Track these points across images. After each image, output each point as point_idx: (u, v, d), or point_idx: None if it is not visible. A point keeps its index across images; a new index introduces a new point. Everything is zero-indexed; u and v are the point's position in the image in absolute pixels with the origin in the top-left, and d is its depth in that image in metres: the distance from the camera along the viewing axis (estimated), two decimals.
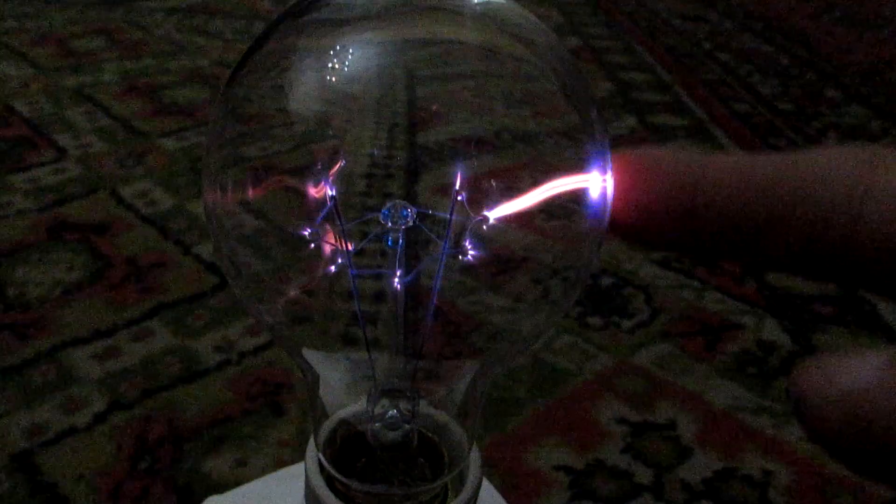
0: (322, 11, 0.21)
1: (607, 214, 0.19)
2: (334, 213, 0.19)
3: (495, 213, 0.19)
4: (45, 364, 0.59)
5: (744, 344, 0.67)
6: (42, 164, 0.89)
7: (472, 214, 0.19)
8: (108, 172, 0.89)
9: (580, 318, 0.68)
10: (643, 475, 0.53)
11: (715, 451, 0.55)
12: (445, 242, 0.20)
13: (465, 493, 0.22)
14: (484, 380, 0.22)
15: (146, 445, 0.53)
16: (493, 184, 0.20)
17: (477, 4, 0.22)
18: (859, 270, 0.15)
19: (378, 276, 0.21)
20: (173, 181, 0.87)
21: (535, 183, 0.20)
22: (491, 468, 0.51)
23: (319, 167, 0.20)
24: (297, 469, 0.33)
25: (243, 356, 0.61)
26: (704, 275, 0.75)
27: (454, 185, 0.19)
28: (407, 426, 0.22)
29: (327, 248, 0.20)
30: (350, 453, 0.23)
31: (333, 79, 0.20)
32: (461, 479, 0.23)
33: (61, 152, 0.92)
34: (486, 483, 0.25)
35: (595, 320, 0.69)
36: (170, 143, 0.96)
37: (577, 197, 0.20)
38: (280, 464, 0.50)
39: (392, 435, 0.22)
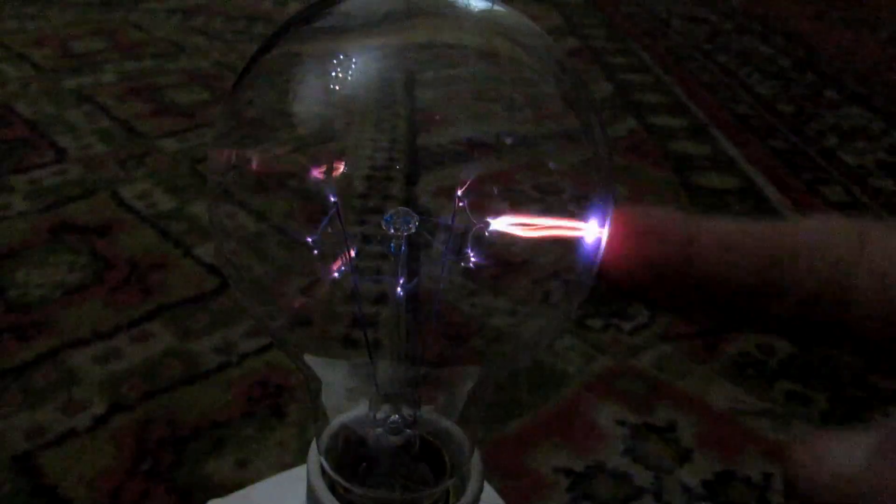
0: (327, 18, 0.21)
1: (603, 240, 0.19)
2: (336, 218, 0.19)
3: (496, 224, 0.19)
4: (46, 366, 0.59)
5: (743, 346, 0.67)
6: (42, 166, 0.89)
7: (473, 221, 0.19)
8: (109, 174, 0.89)
9: (580, 321, 0.68)
10: (643, 477, 0.53)
11: (715, 454, 0.55)
12: (446, 250, 0.20)
13: (467, 498, 0.22)
14: (486, 385, 0.22)
15: (147, 447, 0.53)
16: (495, 189, 0.20)
17: (477, 10, 0.22)
18: (848, 340, 0.16)
19: (380, 281, 0.21)
20: (174, 182, 0.87)
21: (536, 186, 0.20)
22: (491, 470, 0.51)
23: (322, 171, 0.20)
24: (299, 472, 0.33)
25: (244, 358, 0.61)
26: None
27: (456, 191, 0.19)
28: (409, 431, 0.22)
29: (329, 254, 0.20)
30: (352, 457, 0.23)
31: (336, 84, 0.20)
32: (463, 484, 0.23)
33: (61, 153, 0.92)
34: (486, 486, 0.25)
35: (595, 322, 0.69)
36: (170, 145, 0.96)
37: (579, 201, 0.20)
38: (281, 466, 0.50)
39: (394, 439, 0.22)
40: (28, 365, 0.59)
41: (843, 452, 0.14)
